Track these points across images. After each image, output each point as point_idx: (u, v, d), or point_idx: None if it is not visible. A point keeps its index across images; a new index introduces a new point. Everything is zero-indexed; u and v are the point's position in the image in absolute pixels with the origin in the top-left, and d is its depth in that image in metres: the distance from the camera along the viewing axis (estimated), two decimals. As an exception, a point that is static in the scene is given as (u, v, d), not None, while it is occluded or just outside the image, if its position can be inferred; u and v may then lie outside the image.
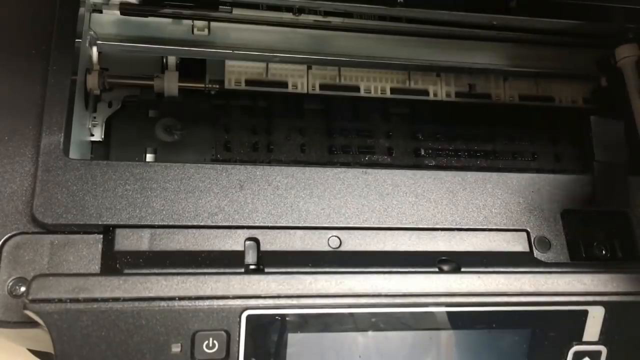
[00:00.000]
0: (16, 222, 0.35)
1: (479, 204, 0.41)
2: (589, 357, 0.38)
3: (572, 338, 0.38)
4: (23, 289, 0.34)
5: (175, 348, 0.33)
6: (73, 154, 0.38)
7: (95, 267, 0.35)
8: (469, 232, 0.40)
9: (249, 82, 0.50)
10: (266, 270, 0.36)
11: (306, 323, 0.35)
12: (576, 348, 0.38)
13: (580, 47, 0.55)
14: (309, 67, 0.52)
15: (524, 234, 0.41)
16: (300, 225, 0.38)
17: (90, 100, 0.46)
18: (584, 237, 0.42)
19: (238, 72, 0.50)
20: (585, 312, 0.37)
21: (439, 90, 0.53)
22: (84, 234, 0.36)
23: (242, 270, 0.36)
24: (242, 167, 0.38)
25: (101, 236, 0.36)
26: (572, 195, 0.42)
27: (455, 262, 0.38)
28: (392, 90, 0.52)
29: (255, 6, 0.50)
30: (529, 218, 0.41)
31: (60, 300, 0.31)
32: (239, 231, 0.37)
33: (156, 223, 0.36)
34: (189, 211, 0.37)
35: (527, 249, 0.40)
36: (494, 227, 0.40)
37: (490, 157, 0.53)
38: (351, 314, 0.35)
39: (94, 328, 0.32)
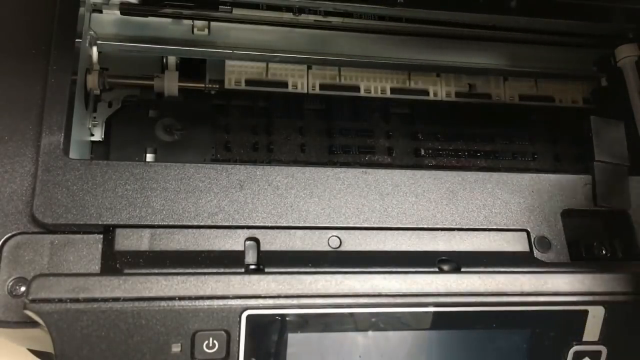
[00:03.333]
0: (16, 222, 0.35)
1: (479, 204, 0.41)
2: (589, 357, 0.38)
3: (572, 338, 0.38)
4: (23, 288, 0.34)
5: (175, 348, 0.33)
6: (73, 154, 0.38)
7: (95, 267, 0.35)
8: (469, 232, 0.40)
9: (249, 82, 0.50)
10: (266, 270, 0.36)
11: (306, 323, 0.35)
12: (576, 348, 0.38)
13: (580, 47, 0.55)
14: (309, 67, 0.52)
15: (524, 234, 0.41)
16: (300, 225, 0.38)
17: (90, 100, 0.46)
18: (584, 237, 0.42)
19: (238, 72, 0.50)
20: (585, 312, 0.37)
21: (439, 90, 0.53)
22: (84, 233, 0.36)
23: (242, 270, 0.36)
24: (242, 167, 0.38)
25: (101, 236, 0.36)
26: (572, 195, 0.42)
27: (455, 262, 0.38)
28: (392, 90, 0.52)
29: (255, 6, 0.50)
30: (529, 218, 0.41)
31: (60, 300, 0.31)
32: (239, 231, 0.37)
33: (156, 223, 0.36)
34: (189, 211, 0.37)
35: (527, 249, 0.40)
36: (494, 227, 0.40)
37: (490, 157, 0.53)
38: (351, 314, 0.35)
39: (94, 328, 0.32)
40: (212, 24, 0.50)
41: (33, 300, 0.31)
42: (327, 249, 0.38)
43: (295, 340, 0.35)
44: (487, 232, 0.40)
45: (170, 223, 0.36)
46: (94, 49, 0.47)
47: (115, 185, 0.36)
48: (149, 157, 0.48)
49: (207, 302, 0.33)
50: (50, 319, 0.31)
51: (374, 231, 0.39)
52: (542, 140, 0.54)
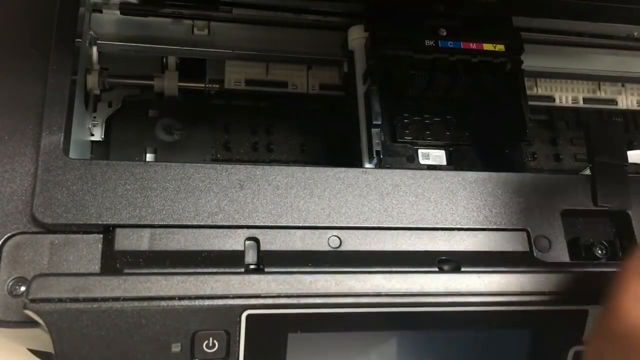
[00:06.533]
0: (16, 222, 0.35)
1: (479, 204, 0.41)
2: (589, 356, 0.38)
3: (572, 338, 0.38)
4: (23, 288, 0.34)
5: (175, 348, 0.33)
6: (73, 153, 0.38)
7: (95, 267, 0.35)
8: (469, 232, 0.40)
9: (249, 82, 0.50)
10: (266, 270, 0.36)
11: (306, 323, 0.35)
12: (576, 348, 0.38)
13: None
14: (309, 67, 0.52)
15: (524, 233, 0.41)
16: (300, 224, 0.38)
17: (90, 100, 0.46)
18: (584, 237, 0.42)
19: (238, 72, 0.50)
20: (586, 312, 0.37)
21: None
22: (84, 233, 0.36)
23: (242, 270, 0.36)
24: (242, 167, 0.38)
25: (101, 236, 0.36)
26: (572, 195, 0.42)
27: (455, 261, 0.38)
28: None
29: (255, 6, 0.50)
30: (529, 218, 0.41)
31: (60, 300, 0.31)
32: (239, 231, 0.37)
33: (156, 223, 0.36)
34: (189, 211, 0.37)
35: (527, 249, 0.40)
36: (494, 227, 0.40)
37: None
38: (351, 314, 0.35)
39: (93, 328, 0.32)
40: (212, 24, 0.50)
41: (33, 300, 0.31)
42: (327, 248, 0.38)
43: (295, 340, 0.35)
44: (487, 232, 0.40)
45: (170, 223, 0.36)
46: (94, 49, 0.47)
47: (115, 185, 0.36)
48: (149, 157, 0.48)
49: (207, 302, 0.33)
50: (50, 319, 0.31)
51: (374, 231, 0.39)
52: (541, 140, 0.54)
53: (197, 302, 0.33)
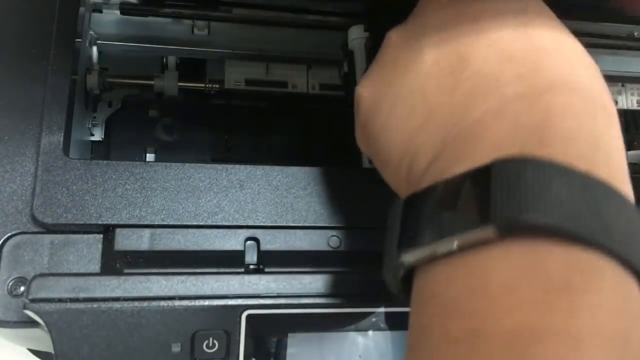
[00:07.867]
0: (16, 222, 0.35)
1: (479, 204, 0.41)
2: (589, 356, 0.38)
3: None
4: (23, 288, 0.34)
5: (175, 348, 0.33)
6: (73, 153, 0.38)
7: (95, 267, 0.35)
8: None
9: (249, 82, 0.50)
10: (266, 270, 0.36)
11: (306, 323, 0.35)
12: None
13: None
14: (309, 67, 0.52)
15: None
16: (300, 224, 0.38)
17: (90, 100, 0.46)
18: (584, 237, 0.42)
19: (238, 72, 0.50)
20: (586, 312, 0.37)
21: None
22: (84, 233, 0.36)
23: (242, 270, 0.36)
24: (242, 167, 0.38)
25: (101, 236, 0.36)
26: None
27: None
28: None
29: (255, 6, 0.50)
30: (529, 218, 0.41)
31: (60, 300, 0.31)
32: (239, 231, 0.37)
33: (156, 223, 0.36)
34: (189, 211, 0.37)
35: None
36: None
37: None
38: (351, 314, 0.35)
39: (93, 328, 0.32)
40: (212, 24, 0.50)
41: (33, 300, 0.31)
42: (327, 248, 0.38)
43: (295, 340, 0.35)
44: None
45: (170, 223, 0.36)
46: (94, 49, 0.47)
47: (115, 185, 0.36)
48: (149, 157, 0.48)
49: (207, 302, 0.33)
50: (50, 319, 0.31)
51: (374, 231, 0.39)
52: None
53: (197, 302, 0.33)
